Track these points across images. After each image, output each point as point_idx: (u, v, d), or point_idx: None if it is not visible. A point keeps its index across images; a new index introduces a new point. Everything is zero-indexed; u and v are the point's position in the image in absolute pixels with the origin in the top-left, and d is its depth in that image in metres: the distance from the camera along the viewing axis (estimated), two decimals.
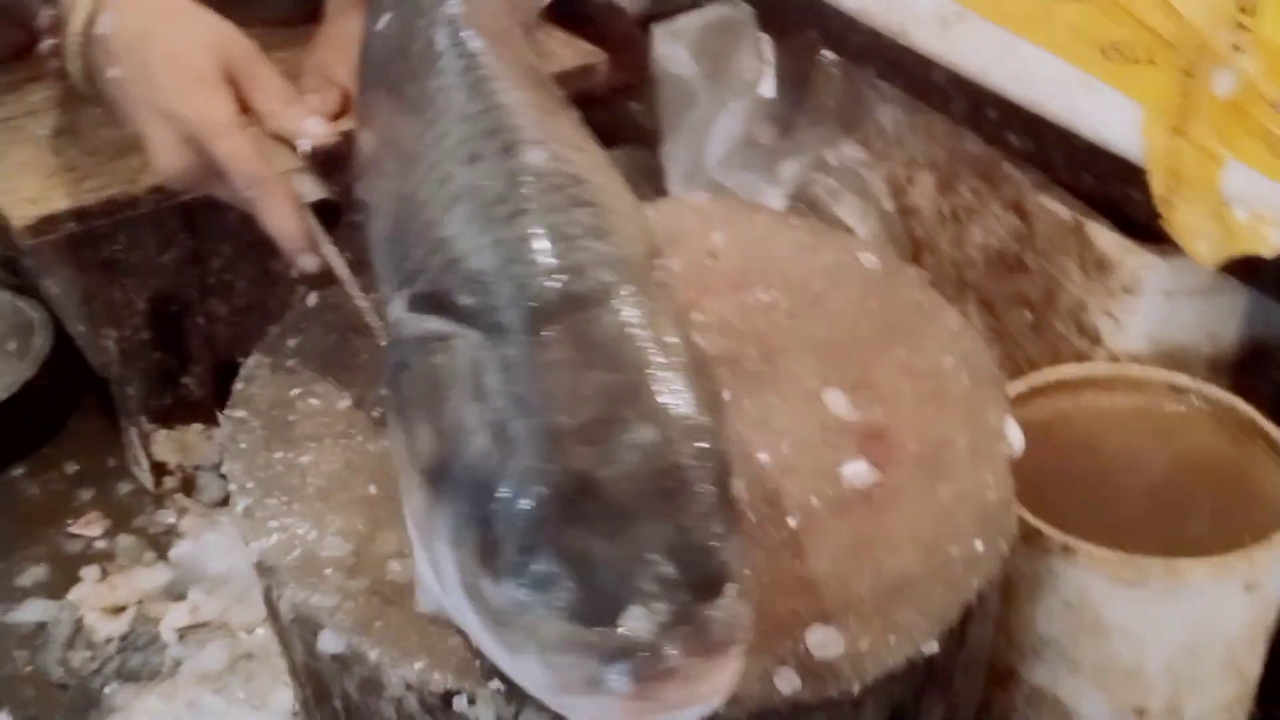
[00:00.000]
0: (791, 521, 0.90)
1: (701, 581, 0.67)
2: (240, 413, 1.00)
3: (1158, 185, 1.13)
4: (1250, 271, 1.15)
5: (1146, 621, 1.08)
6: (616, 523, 0.67)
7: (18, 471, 1.58)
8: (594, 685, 0.65)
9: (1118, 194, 1.25)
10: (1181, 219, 1.11)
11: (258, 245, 1.44)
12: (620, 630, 0.65)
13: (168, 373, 1.47)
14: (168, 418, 1.50)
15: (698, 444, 0.71)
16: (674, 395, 0.72)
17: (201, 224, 1.43)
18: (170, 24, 1.01)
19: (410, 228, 0.83)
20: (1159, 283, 1.24)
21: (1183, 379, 1.21)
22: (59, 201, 1.30)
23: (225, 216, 1.43)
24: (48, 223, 1.30)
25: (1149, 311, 1.25)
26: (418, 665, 0.81)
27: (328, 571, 0.87)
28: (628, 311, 0.75)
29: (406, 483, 0.79)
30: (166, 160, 0.99)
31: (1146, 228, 1.22)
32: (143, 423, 1.49)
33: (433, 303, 0.78)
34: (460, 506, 0.71)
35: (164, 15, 1.03)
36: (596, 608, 0.66)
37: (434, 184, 0.83)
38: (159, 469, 1.52)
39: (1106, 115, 1.17)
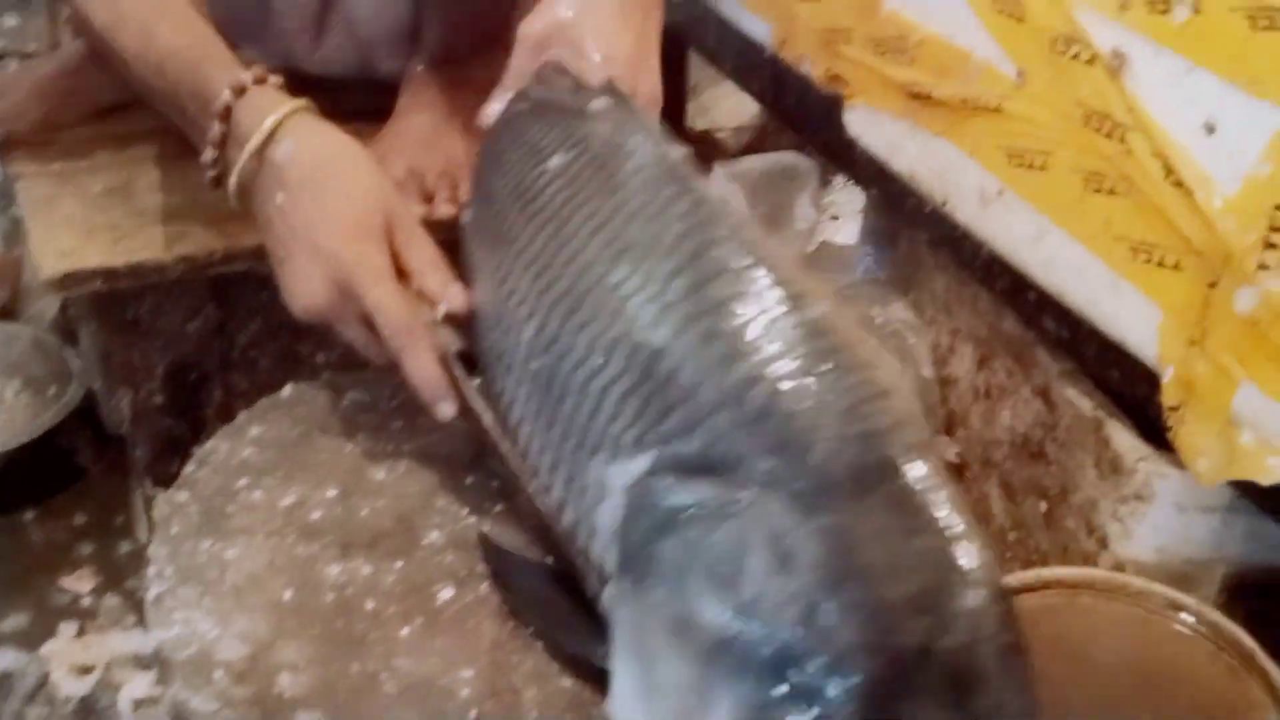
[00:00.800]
0: None
1: None
2: (182, 495, 0.99)
3: (1169, 395, 1.07)
4: (1256, 492, 1.09)
5: None
6: (956, 693, 0.66)
7: (28, 515, 1.60)
8: None
9: (1143, 395, 1.19)
10: (1187, 432, 1.05)
11: (287, 326, 1.46)
12: None
13: (178, 439, 1.48)
14: (173, 484, 1.50)
15: (1007, 606, 0.71)
16: (981, 557, 0.71)
17: (231, 298, 1.44)
18: (346, 167, 1.03)
19: (653, 379, 0.79)
20: (1172, 494, 1.17)
21: (1184, 598, 1.14)
22: (90, 259, 1.32)
23: (257, 295, 1.45)
24: (74, 278, 1.31)
25: (1159, 522, 1.18)
26: None
27: (216, 674, 0.85)
28: (927, 475, 0.74)
29: (652, 657, 0.74)
30: (306, 292, 0.99)
31: (1166, 436, 1.16)
32: (148, 485, 1.49)
33: (716, 461, 0.75)
34: (765, 685, 0.68)
35: (341, 157, 1.03)
36: None
37: (691, 337, 0.79)
38: None
39: (1129, 315, 1.12)
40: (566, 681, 0.87)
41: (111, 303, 1.38)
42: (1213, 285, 1.04)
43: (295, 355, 1.51)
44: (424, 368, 0.97)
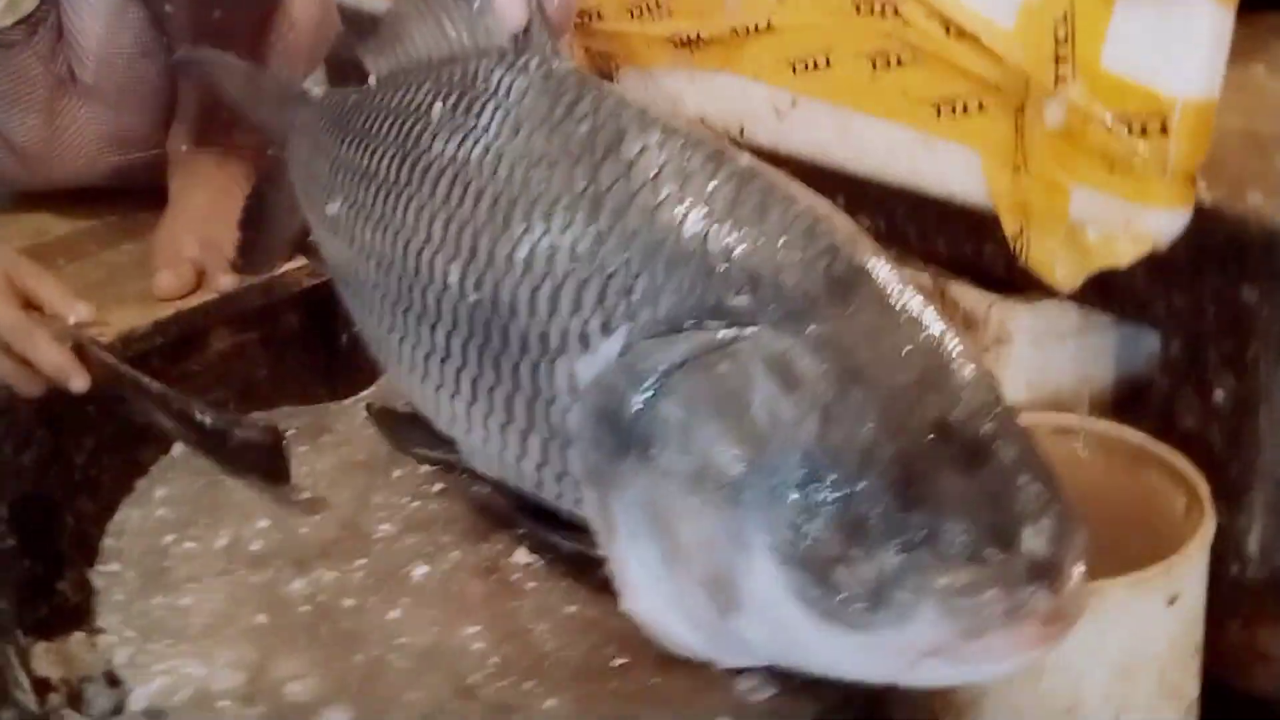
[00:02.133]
0: None
1: (1060, 492, 0.70)
2: (112, 566, 0.95)
3: (1008, 224, 1.15)
4: (1106, 297, 1.17)
5: (1076, 652, 1.05)
6: (980, 457, 0.69)
7: None
8: (1011, 613, 0.67)
9: (972, 252, 1.27)
10: (1036, 252, 1.13)
11: (122, 436, 1.41)
12: (1025, 551, 0.67)
13: (40, 581, 1.40)
14: (46, 630, 1.41)
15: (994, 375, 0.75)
16: (961, 335, 0.75)
17: (60, 419, 1.38)
18: None
19: (604, 264, 0.80)
20: (1027, 330, 1.25)
21: (1068, 418, 1.21)
22: None
23: (84, 409, 1.39)
24: None
25: (1022, 359, 1.26)
26: None
27: (222, 704, 0.82)
28: (895, 274, 0.77)
29: (670, 523, 0.74)
30: None
31: (1006, 280, 1.24)
32: (19, 638, 1.40)
33: (687, 316, 0.76)
34: (798, 502, 0.69)
35: None
36: (993, 539, 0.67)
37: (633, 212, 0.81)
38: (41, 686, 1.42)
39: (949, 169, 1.19)
40: (571, 608, 0.87)
41: None
42: (1020, 111, 1.12)
43: (137, 463, 1.45)
44: (47, 353, 1.16)
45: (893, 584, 0.67)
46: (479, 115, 0.90)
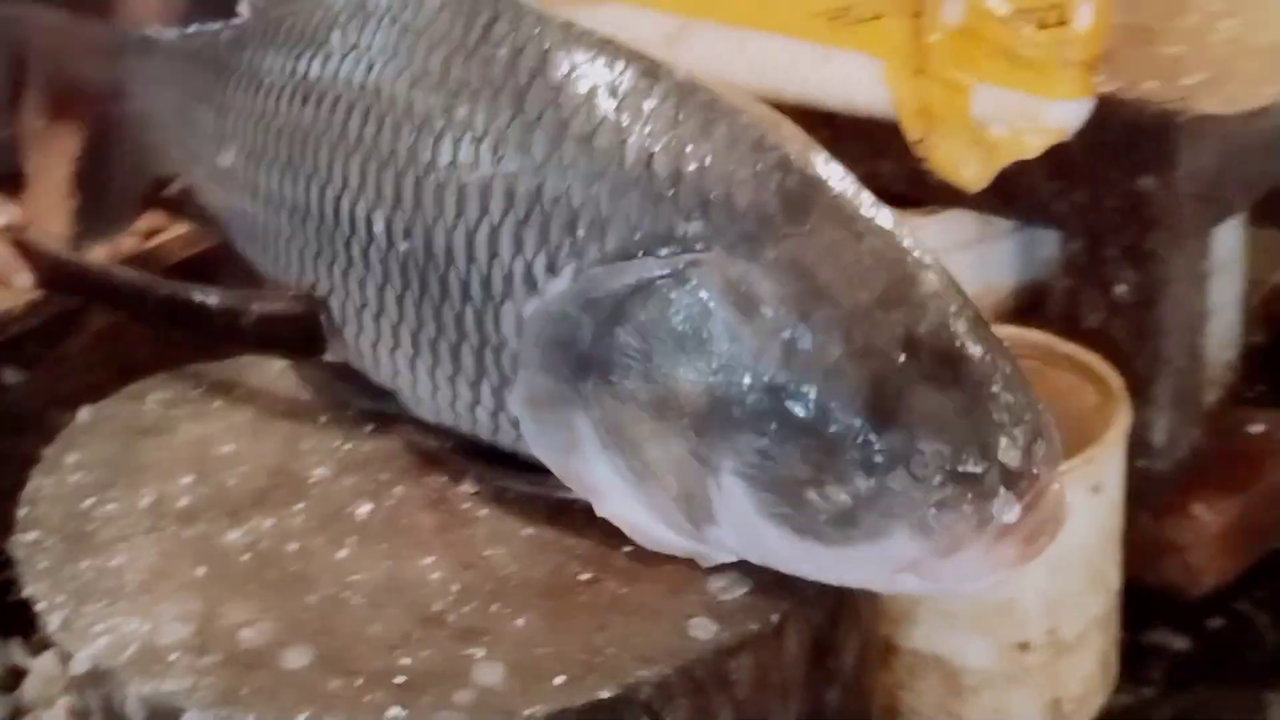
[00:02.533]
0: None
1: (1034, 401, 0.69)
2: (31, 535, 0.90)
3: (911, 129, 1.15)
4: (1007, 201, 1.19)
5: None
6: (947, 372, 0.68)
7: None
8: (984, 525, 0.66)
9: (868, 169, 1.27)
10: (943, 154, 1.14)
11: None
12: (999, 465, 0.66)
13: None
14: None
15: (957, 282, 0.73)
16: (920, 242, 0.73)
17: None
18: None
19: (544, 199, 0.76)
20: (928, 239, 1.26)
21: None
22: None
23: None
24: None
25: None
26: (302, 718, 0.73)
27: (173, 656, 0.78)
28: (850, 182, 0.74)
29: (637, 444, 0.73)
30: None
31: (905, 194, 1.25)
32: None
33: (638, 246, 0.73)
34: (764, 428, 0.68)
35: None
36: (966, 456, 0.66)
37: (569, 142, 0.76)
38: None
39: (848, 78, 1.20)
40: (528, 530, 0.85)
41: None
42: (917, 15, 1.13)
43: (16, 457, 1.37)
44: None
45: (866, 505, 0.67)
46: (386, 41, 0.85)
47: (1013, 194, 1.19)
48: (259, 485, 0.92)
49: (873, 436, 0.67)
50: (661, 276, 0.72)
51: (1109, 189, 1.18)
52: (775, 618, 0.76)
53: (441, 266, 0.80)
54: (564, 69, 0.78)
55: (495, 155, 0.78)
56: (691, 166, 0.74)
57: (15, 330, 1.31)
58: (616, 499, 0.76)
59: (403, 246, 0.82)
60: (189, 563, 0.85)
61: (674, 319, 0.71)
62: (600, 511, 0.78)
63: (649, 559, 0.80)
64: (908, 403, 0.67)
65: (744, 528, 0.71)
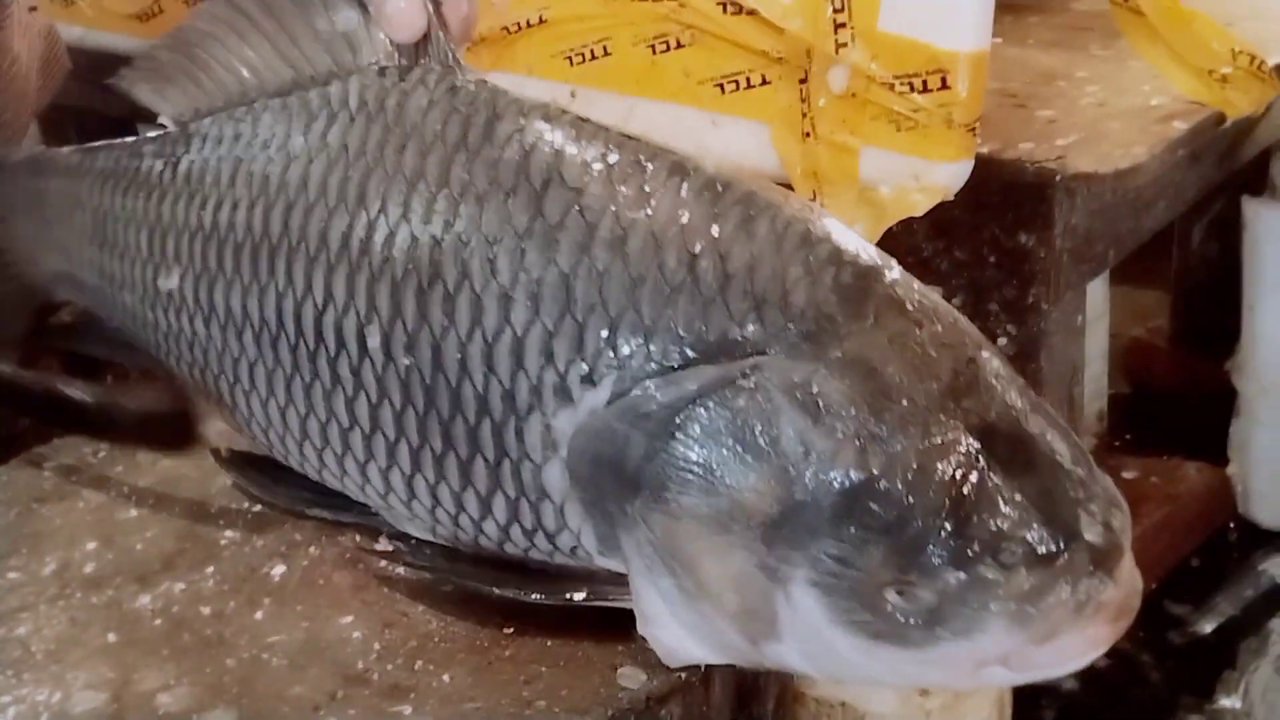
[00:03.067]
0: None
1: (1099, 472, 0.69)
2: None
3: (802, 190, 1.19)
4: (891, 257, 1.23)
5: None
6: (1023, 454, 0.66)
7: None
8: (1080, 606, 0.64)
9: None
10: (833, 213, 1.17)
11: None
12: (1084, 543, 0.65)
13: None
14: None
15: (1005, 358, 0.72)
16: (969, 325, 0.73)
17: None
18: None
19: (577, 305, 0.72)
20: None
21: None
22: None
23: None
24: None
25: None
26: None
27: None
28: (898, 270, 0.74)
29: (693, 562, 0.70)
30: None
31: None
32: None
33: (689, 355, 0.70)
34: (841, 532, 0.65)
35: None
36: (1053, 538, 0.64)
37: (601, 243, 0.72)
38: None
39: (737, 144, 1.22)
40: (447, 586, 0.84)
41: None
42: (804, 81, 1.17)
43: None
44: None
45: (954, 601, 0.65)
46: (364, 142, 0.79)
47: (897, 252, 1.22)
48: (167, 549, 0.90)
49: (956, 529, 0.65)
50: (720, 384, 0.69)
51: (990, 246, 1.22)
52: (701, 666, 0.77)
53: (454, 381, 0.75)
54: (583, 168, 0.75)
55: (514, 263, 0.74)
56: (739, 266, 0.71)
57: None
58: (663, 624, 0.74)
59: (404, 362, 0.77)
60: (98, 630, 0.84)
61: (737, 428, 0.68)
62: (642, 631, 0.75)
63: (573, 611, 0.80)
64: (987, 492, 0.65)
65: (813, 640, 0.69)
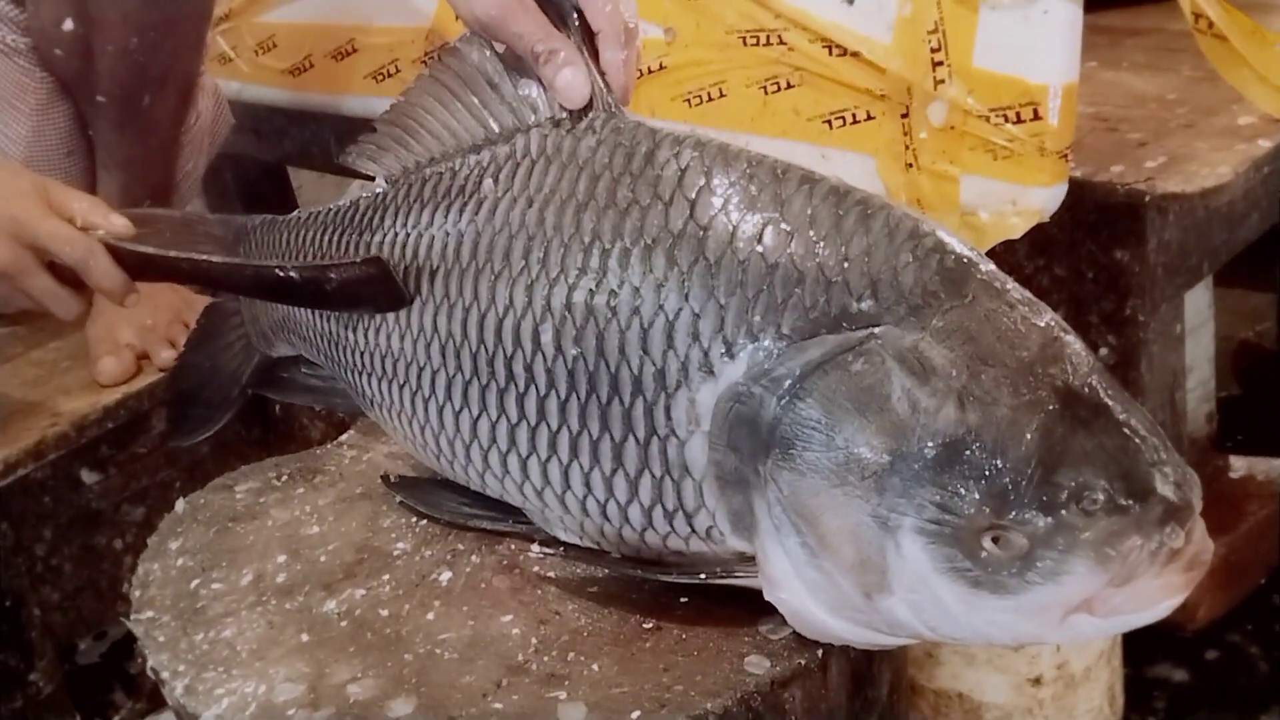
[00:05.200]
0: None
1: (1170, 441, 0.77)
2: (147, 614, 1.00)
3: None
4: None
5: None
6: (1103, 418, 0.75)
7: None
8: (1156, 551, 0.72)
9: None
10: None
11: (77, 523, 1.45)
12: (1159, 497, 0.73)
13: (14, 673, 1.42)
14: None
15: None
16: (1052, 312, 0.81)
17: (17, 511, 1.41)
18: None
19: (721, 289, 0.83)
20: None
21: None
22: None
23: (41, 500, 1.43)
24: None
25: None
26: None
27: (291, 712, 0.88)
28: (990, 264, 0.83)
29: (815, 516, 0.79)
30: None
31: None
32: None
33: (814, 327, 0.81)
34: (943, 480, 0.75)
35: None
36: (1131, 490, 0.73)
37: (743, 236, 0.84)
38: None
39: (845, 174, 1.29)
40: (593, 589, 0.95)
41: None
42: (905, 116, 1.26)
43: (94, 550, 1.49)
44: (107, 272, 1.08)
45: (1044, 545, 0.73)
46: (543, 180, 0.92)
47: (1001, 269, 1.31)
48: (347, 560, 1.02)
49: (1045, 478, 0.73)
50: (839, 351, 0.79)
51: (1087, 262, 1.30)
52: (820, 653, 0.87)
53: (613, 366, 0.87)
54: (728, 181, 0.87)
55: (669, 259, 0.86)
56: (857, 253, 0.82)
57: (91, 434, 1.42)
58: (787, 585, 0.83)
59: (572, 352, 0.88)
60: (293, 631, 0.96)
61: (854, 388, 0.78)
62: (768, 596, 0.86)
63: (704, 607, 0.91)
64: (1072, 446, 0.74)
65: (920, 589, 0.77)
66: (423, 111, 1.02)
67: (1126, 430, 0.76)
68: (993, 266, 0.84)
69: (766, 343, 0.82)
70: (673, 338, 0.85)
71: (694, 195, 0.87)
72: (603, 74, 0.96)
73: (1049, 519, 0.74)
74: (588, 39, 0.96)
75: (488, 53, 0.99)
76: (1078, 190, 1.24)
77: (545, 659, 0.90)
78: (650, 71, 1.42)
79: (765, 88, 1.35)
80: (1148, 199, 1.23)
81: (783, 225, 0.84)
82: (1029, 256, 1.32)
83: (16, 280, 1.11)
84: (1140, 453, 0.75)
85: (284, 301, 1.11)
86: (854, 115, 1.29)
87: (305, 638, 0.95)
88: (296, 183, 2.35)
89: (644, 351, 0.86)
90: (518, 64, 0.98)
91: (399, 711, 0.87)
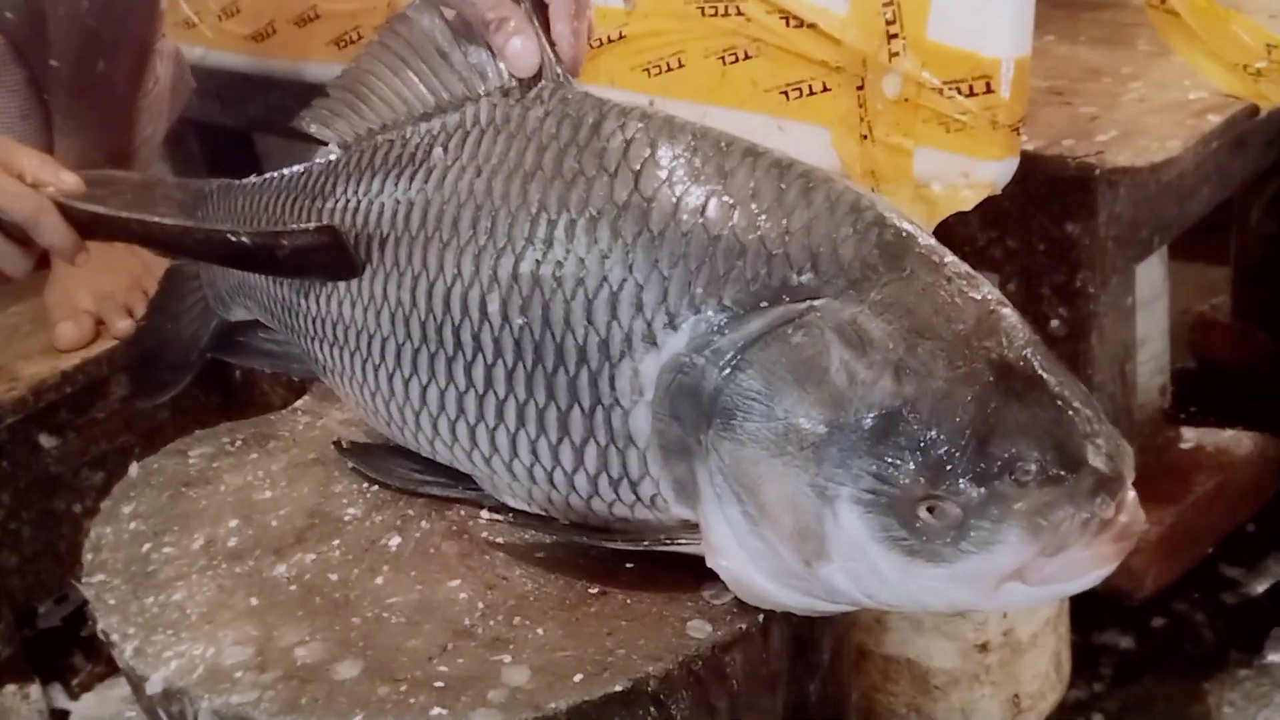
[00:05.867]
0: None
1: (1104, 414, 0.78)
2: (98, 577, 1.00)
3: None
4: (947, 247, 1.32)
5: None
6: (1036, 391, 0.76)
7: None
8: (1086, 522, 0.74)
9: None
10: None
11: (36, 487, 1.46)
12: (1090, 468, 0.74)
13: None
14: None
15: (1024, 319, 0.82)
16: (991, 286, 0.83)
17: None
18: None
19: (663, 262, 0.84)
20: None
21: None
22: None
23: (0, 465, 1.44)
24: None
25: None
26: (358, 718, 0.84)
27: (238, 674, 0.89)
28: (931, 239, 0.84)
29: (755, 485, 0.80)
30: None
31: None
32: None
33: (755, 299, 0.82)
34: (879, 451, 0.76)
35: None
36: (1063, 462, 0.74)
37: (685, 209, 0.84)
38: None
39: (801, 145, 1.32)
40: (540, 554, 0.96)
41: None
42: (860, 88, 1.27)
43: (53, 514, 1.50)
44: (56, 229, 1.06)
45: (977, 515, 0.75)
46: (491, 149, 0.93)
47: (952, 242, 1.31)
48: (298, 525, 1.03)
49: (979, 449, 0.75)
50: (781, 323, 0.80)
51: (1039, 235, 1.31)
52: (761, 618, 0.88)
53: (559, 335, 0.88)
54: (673, 154, 0.87)
55: (614, 230, 0.86)
56: (798, 226, 0.83)
57: (49, 399, 1.42)
58: (728, 552, 0.84)
59: (518, 322, 0.89)
60: (242, 595, 0.96)
61: (793, 359, 0.79)
62: (710, 563, 0.87)
63: (649, 573, 0.92)
64: (1006, 418, 0.75)
65: (857, 558, 0.78)
66: (374, 78, 1.02)
67: (1060, 403, 0.77)
68: (932, 240, 0.85)
69: (709, 314, 0.83)
70: (616, 308, 0.86)
71: (638, 167, 0.87)
72: (553, 45, 0.96)
73: (982, 489, 0.75)
74: (539, 10, 0.96)
75: (439, 20, 0.99)
76: (1029, 163, 1.25)
77: (491, 623, 0.91)
78: (609, 41, 1.43)
79: (724, 58, 1.35)
80: (1098, 172, 1.25)
81: (725, 198, 0.85)
82: (981, 228, 1.33)
83: None
84: (1073, 425, 0.76)
85: (236, 266, 1.12)
86: (810, 87, 1.30)
87: (254, 601, 0.96)
88: (261, 148, 2.34)
89: (588, 322, 0.87)
90: (468, 32, 0.98)
91: (345, 674, 0.88)
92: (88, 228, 1.09)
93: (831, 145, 1.31)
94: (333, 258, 1.00)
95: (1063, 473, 0.75)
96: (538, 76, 0.96)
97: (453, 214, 0.94)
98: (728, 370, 0.81)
